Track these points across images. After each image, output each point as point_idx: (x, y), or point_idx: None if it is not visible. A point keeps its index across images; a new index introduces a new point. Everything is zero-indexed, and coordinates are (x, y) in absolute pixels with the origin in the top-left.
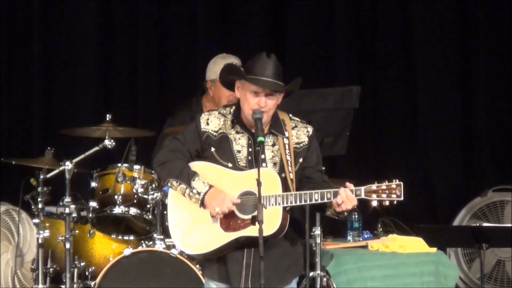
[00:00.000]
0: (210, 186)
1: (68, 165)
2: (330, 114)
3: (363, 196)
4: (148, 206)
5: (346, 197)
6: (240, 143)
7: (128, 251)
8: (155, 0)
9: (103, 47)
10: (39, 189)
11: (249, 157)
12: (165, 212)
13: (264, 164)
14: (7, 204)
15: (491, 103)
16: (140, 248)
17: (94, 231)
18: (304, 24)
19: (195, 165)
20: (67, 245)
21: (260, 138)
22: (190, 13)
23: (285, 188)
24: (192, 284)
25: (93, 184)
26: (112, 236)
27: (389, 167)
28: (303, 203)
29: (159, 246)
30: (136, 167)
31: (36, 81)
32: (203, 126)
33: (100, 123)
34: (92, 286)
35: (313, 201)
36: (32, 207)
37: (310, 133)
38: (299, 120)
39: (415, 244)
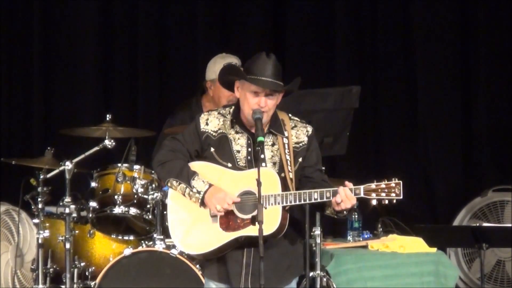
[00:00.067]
0: (210, 185)
1: (68, 165)
2: (330, 114)
3: (362, 195)
4: (148, 206)
5: (345, 196)
6: (239, 143)
7: (128, 251)
8: (155, 0)
9: (103, 47)
10: (39, 189)
11: (249, 157)
12: (165, 212)
13: (263, 164)
14: (7, 204)
15: (491, 103)
16: (140, 248)
17: (94, 231)
18: (304, 24)
19: (194, 165)
20: (67, 245)
21: (260, 138)
22: (190, 13)
23: (285, 187)
24: (192, 284)
25: (93, 184)
26: (112, 236)
27: (389, 167)
28: (302, 202)
29: (159, 246)
30: (136, 167)
31: (36, 81)
32: (202, 126)
33: (100, 123)
34: (92, 286)
35: (313, 200)
36: (32, 207)
37: (310, 132)
38: (299, 120)
39: (415, 244)
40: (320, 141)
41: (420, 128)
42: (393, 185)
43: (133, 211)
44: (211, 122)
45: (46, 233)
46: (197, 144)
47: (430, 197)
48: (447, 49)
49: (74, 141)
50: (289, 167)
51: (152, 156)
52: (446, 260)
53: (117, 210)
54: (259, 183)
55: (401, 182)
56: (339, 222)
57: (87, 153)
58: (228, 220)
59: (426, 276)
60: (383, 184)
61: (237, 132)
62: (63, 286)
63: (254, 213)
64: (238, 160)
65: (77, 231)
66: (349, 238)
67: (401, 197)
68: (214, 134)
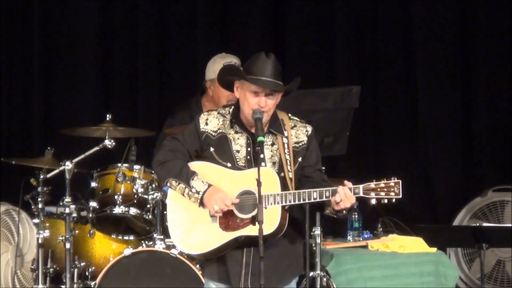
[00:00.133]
0: (209, 185)
1: (68, 165)
2: (330, 114)
3: (361, 194)
4: (148, 206)
5: (344, 195)
6: (239, 143)
7: (128, 251)
8: (155, 0)
9: (103, 47)
10: (39, 189)
11: (248, 157)
12: (165, 212)
13: (263, 164)
14: (7, 204)
15: (491, 103)
16: (140, 248)
17: (94, 231)
18: (304, 24)
19: (194, 165)
20: (67, 245)
21: (260, 138)
22: (190, 13)
23: (284, 187)
24: (192, 284)
25: (93, 184)
26: (112, 236)
27: (389, 167)
28: (301, 202)
29: (159, 246)
30: (136, 167)
31: (36, 81)
32: (202, 126)
33: (100, 123)
34: (92, 286)
35: (312, 200)
36: (32, 207)
37: (309, 132)
38: (298, 119)
39: (415, 244)
40: (320, 141)
41: (420, 128)
42: (392, 184)
43: (133, 211)
44: (211, 122)
45: (46, 233)
46: (197, 144)
47: (430, 197)
48: (447, 49)
49: (74, 141)
50: (289, 167)
51: (152, 156)
52: (446, 260)
53: (117, 210)
54: (259, 183)
55: (400, 181)
56: (339, 222)
57: (87, 153)
58: (227, 220)
59: (426, 276)
60: (382, 184)
61: (236, 132)
62: (63, 286)
63: (254, 212)
64: (237, 160)
65: (77, 231)
66: (349, 238)
67: (400, 196)
68: (213, 134)
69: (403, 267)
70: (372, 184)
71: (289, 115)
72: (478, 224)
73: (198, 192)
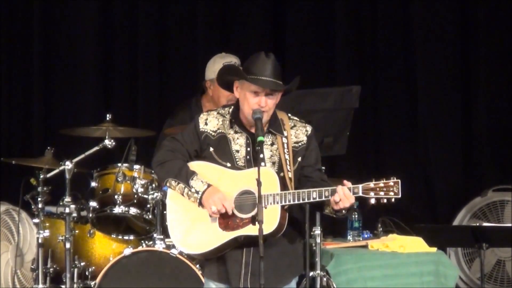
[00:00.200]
0: (209, 185)
1: (68, 165)
2: (330, 114)
3: (360, 194)
4: (148, 206)
5: (343, 195)
6: (238, 143)
7: (128, 251)
8: (155, 0)
9: (103, 47)
10: (39, 189)
11: (248, 157)
12: (165, 212)
13: (262, 164)
14: (7, 204)
15: (491, 103)
16: (140, 248)
17: (94, 231)
18: (304, 24)
19: (194, 165)
20: (67, 245)
21: (260, 138)
22: (190, 13)
23: (284, 187)
24: (192, 284)
25: (93, 184)
26: (112, 236)
27: (389, 167)
28: (301, 201)
29: (159, 246)
30: (136, 167)
31: (36, 81)
32: (201, 126)
33: (100, 123)
34: (92, 286)
35: (311, 200)
36: (32, 207)
37: (309, 132)
38: (298, 119)
39: (415, 244)
40: (320, 141)
41: (420, 127)
42: (392, 184)
43: (133, 211)
44: (210, 122)
45: (46, 233)
46: (196, 144)
47: (430, 197)
48: (447, 49)
49: (74, 141)
50: (288, 167)
51: (152, 156)
52: (446, 260)
53: (117, 210)
54: (259, 183)
55: (399, 181)
56: (339, 222)
57: (87, 153)
58: (227, 219)
59: (426, 276)
60: (381, 183)
61: (236, 132)
62: (63, 286)
63: (253, 212)
64: (237, 160)
65: (77, 231)
66: (349, 237)
67: (400, 196)
68: (213, 134)
69: (403, 267)
70: (371, 184)
71: (289, 115)
72: (478, 224)
73: (197, 192)
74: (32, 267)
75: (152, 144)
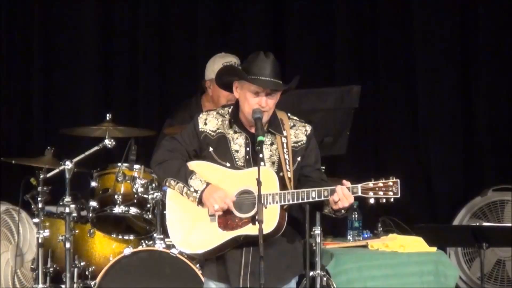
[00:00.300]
0: (208, 184)
1: (68, 165)
2: (330, 114)
3: (359, 193)
4: (148, 205)
5: (342, 194)
6: (238, 143)
7: (128, 250)
8: (155, 0)
9: (103, 47)
10: (39, 188)
11: (247, 157)
12: (165, 211)
13: (262, 163)
14: (7, 203)
15: (491, 102)
16: (140, 248)
17: (94, 230)
18: (304, 24)
19: (193, 165)
20: (67, 245)
21: (260, 138)
22: (190, 13)
23: (283, 187)
24: (192, 284)
25: (93, 184)
26: (112, 235)
27: (389, 167)
28: (300, 201)
29: (159, 245)
30: (136, 166)
31: (36, 81)
32: (201, 126)
33: (100, 123)
34: (92, 285)
35: (310, 199)
36: (32, 206)
37: (309, 132)
38: (298, 119)
39: (415, 244)
40: (320, 141)
41: (420, 127)
42: (391, 183)
43: (133, 210)
44: (210, 122)
45: (46, 233)
46: (196, 144)
47: (430, 197)
48: (447, 49)
49: (74, 140)
50: (288, 167)
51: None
52: (446, 260)
53: (117, 209)
54: (259, 183)
55: (398, 180)
56: (339, 222)
57: (87, 153)
58: (226, 219)
59: (426, 275)
60: (380, 183)
61: (235, 132)
62: (63, 286)
63: (253, 212)
64: (236, 159)
65: (77, 231)
66: (349, 237)
67: (399, 196)
68: (212, 134)
69: (403, 267)
70: (371, 184)
71: (288, 114)
72: (478, 224)
73: (196, 191)
74: (32, 266)
75: (152, 144)
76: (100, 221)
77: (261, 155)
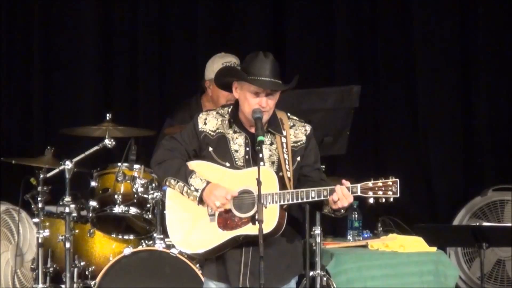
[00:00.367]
0: (208, 183)
1: (68, 165)
2: (330, 114)
3: (359, 193)
4: (148, 205)
5: (342, 194)
6: (237, 143)
7: (128, 250)
8: (155, 0)
9: (103, 47)
10: (39, 188)
11: (247, 156)
12: (165, 211)
13: (261, 163)
14: (7, 203)
15: (491, 103)
16: (140, 248)
17: (94, 230)
18: (304, 24)
19: (193, 165)
20: (67, 245)
21: (260, 138)
22: (190, 13)
23: (283, 186)
24: (192, 284)
25: (93, 184)
26: (112, 235)
27: (389, 167)
28: (299, 201)
29: (159, 245)
30: (136, 166)
31: (36, 81)
32: (200, 126)
33: (100, 123)
34: (92, 285)
35: (310, 199)
36: (32, 206)
37: (308, 132)
38: (297, 119)
39: (415, 244)
40: (320, 141)
41: (420, 127)
42: (390, 183)
43: (133, 210)
44: (209, 122)
45: (46, 233)
46: (195, 144)
47: (430, 197)
48: (447, 49)
49: (74, 140)
50: (287, 166)
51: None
52: (446, 260)
53: (117, 209)
54: (259, 183)
55: (398, 180)
56: (339, 222)
57: (87, 153)
58: (226, 219)
59: (426, 275)
60: (380, 183)
61: (235, 132)
62: (63, 286)
63: (252, 212)
64: (236, 159)
65: (77, 231)
66: (349, 237)
67: (398, 195)
68: (212, 133)
69: (403, 267)
70: (370, 183)
71: (288, 114)
72: (478, 224)
73: (197, 190)
74: (32, 266)
75: (152, 144)
76: (100, 221)
77: (260, 155)
